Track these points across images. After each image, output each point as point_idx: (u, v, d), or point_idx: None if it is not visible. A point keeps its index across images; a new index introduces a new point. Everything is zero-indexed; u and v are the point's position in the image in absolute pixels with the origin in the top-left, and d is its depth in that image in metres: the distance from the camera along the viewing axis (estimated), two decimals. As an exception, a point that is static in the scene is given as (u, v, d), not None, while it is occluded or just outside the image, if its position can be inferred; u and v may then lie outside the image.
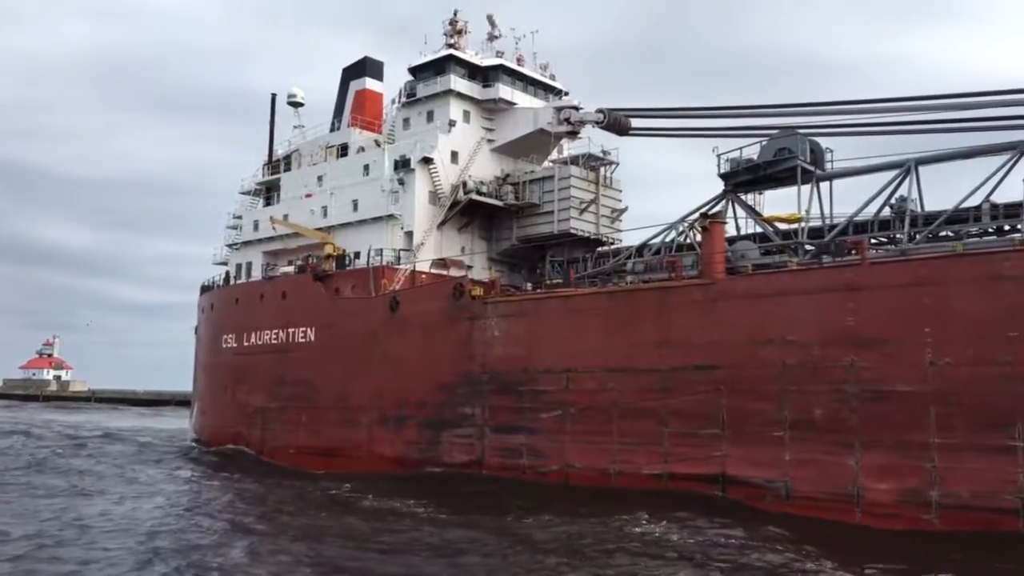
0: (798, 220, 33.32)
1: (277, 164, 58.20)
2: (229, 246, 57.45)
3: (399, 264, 43.38)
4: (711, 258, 29.98)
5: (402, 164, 45.41)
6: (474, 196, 44.21)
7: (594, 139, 47.33)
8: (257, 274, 52.75)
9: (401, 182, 45.18)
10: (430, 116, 47.59)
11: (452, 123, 46.41)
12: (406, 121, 48.95)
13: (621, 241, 45.80)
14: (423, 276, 42.79)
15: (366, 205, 46.78)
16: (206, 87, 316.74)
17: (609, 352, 31.31)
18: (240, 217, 57.19)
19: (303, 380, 44.28)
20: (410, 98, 48.64)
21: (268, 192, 57.69)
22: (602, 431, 31.15)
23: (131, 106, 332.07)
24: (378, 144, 48.50)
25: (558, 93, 50.71)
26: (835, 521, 24.91)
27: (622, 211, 47.09)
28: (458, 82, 46.74)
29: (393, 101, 52.51)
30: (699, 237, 40.05)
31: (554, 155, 50.01)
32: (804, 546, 21.79)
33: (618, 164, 46.84)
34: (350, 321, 42.27)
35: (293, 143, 59.18)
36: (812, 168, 36.61)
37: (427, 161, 44.91)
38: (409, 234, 44.68)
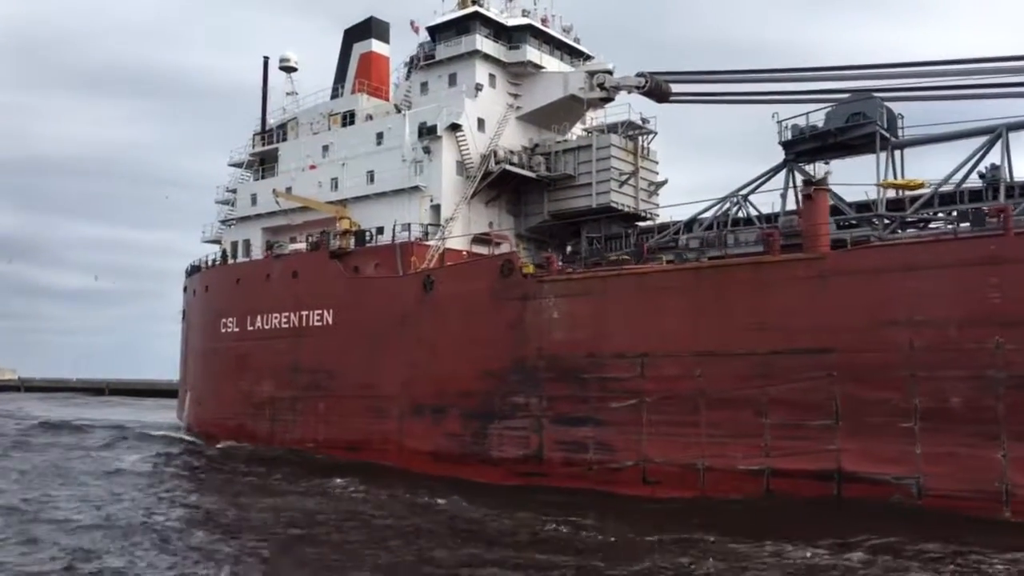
0: (920, 186, 30.47)
1: (270, 134, 53.76)
2: (223, 222, 52.93)
3: (427, 240, 39.66)
4: (816, 230, 27.01)
5: (427, 132, 41.52)
6: (507, 167, 40.61)
7: (620, 106, 44.35)
8: (258, 252, 48.47)
9: (427, 151, 41.34)
10: (452, 79, 43.75)
11: (479, 87, 42.67)
12: (424, 85, 45.02)
13: (658, 217, 42.83)
14: (464, 253, 39.19)
15: (385, 176, 42.84)
16: (134, 64, 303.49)
17: (695, 334, 28.23)
18: (234, 191, 52.63)
19: (320, 367, 40.39)
20: (429, 60, 44.69)
21: (262, 164, 53.24)
22: (687, 422, 28.10)
23: (51, 83, 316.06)
24: (399, 110, 44.45)
25: (584, 57, 47.23)
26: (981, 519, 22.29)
27: (661, 184, 44.04)
28: (484, 42, 42.98)
29: (408, 64, 48.51)
30: (752, 211, 37.69)
31: (577, 125, 46.70)
32: None
33: (656, 133, 43.78)
34: (375, 302, 38.47)
35: (288, 111, 54.80)
36: (888, 135, 34.03)
37: (455, 128, 41.14)
38: (436, 208, 40.94)
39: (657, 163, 44.10)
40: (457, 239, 39.89)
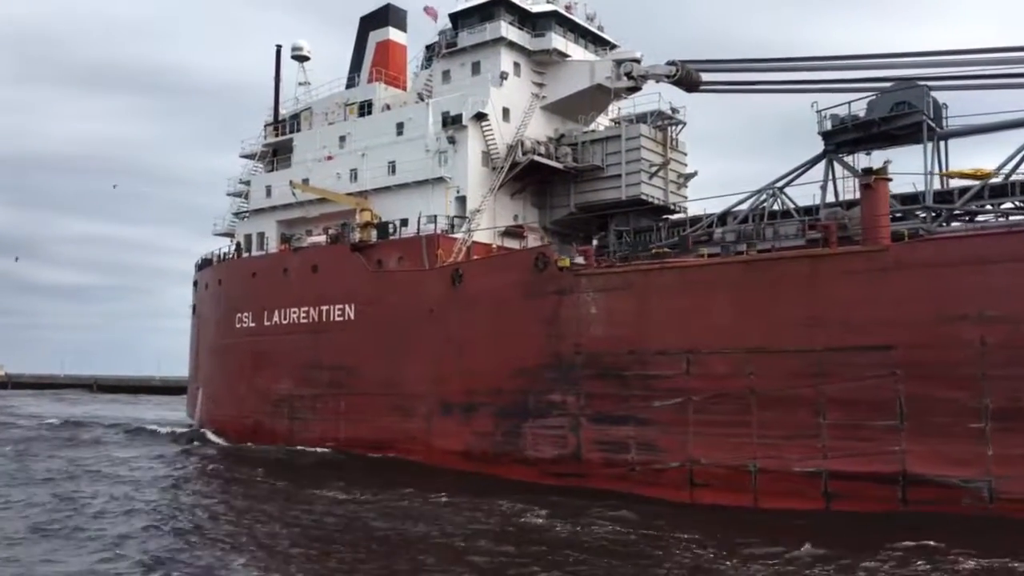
0: (987, 176, 29.37)
1: (283, 124, 52.42)
2: (235, 215, 51.57)
3: (453, 232, 38.42)
4: (876, 221, 25.87)
5: (451, 121, 40.24)
6: (535, 157, 39.37)
7: (647, 95, 43.15)
8: (273, 245, 47.17)
9: (451, 141, 40.07)
10: (476, 68, 42.47)
11: (504, 75, 41.40)
12: (446, 74, 43.70)
13: (687, 210, 41.72)
14: (493, 247, 37.95)
15: (407, 167, 41.53)
16: (125, 61, 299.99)
17: (745, 330, 27.07)
18: (247, 183, 51.24)
19: (342, 364, 39.12)
20: (451, 47, 43.37)
21: (275, 155, 51.89)
22: (737, 421, 26.96)
23: (43, 79, 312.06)
24: (423, 99, 43.11)
25: (608, 46, 45.98)
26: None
27: (690, 176, 42.91)
28: (509, 29, 41.69)
29: (425, 53, 47.21)
30: (789, 204, 36.56)
31: (601, 116, 45.47)
32: None
33: (686, 124, 42.62)
34: (400, 297, 37.22)
35: (302, 101, 53.46)
36: (934, 125, 32.97)
37: (480, 117, 39.88)
38: (462, 199, 39.69)
39: (686, 154, 42.97)
40: (484, 232, 38.61)
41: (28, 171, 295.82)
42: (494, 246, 38.83)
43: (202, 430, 48.71)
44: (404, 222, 39.50)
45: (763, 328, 26.72)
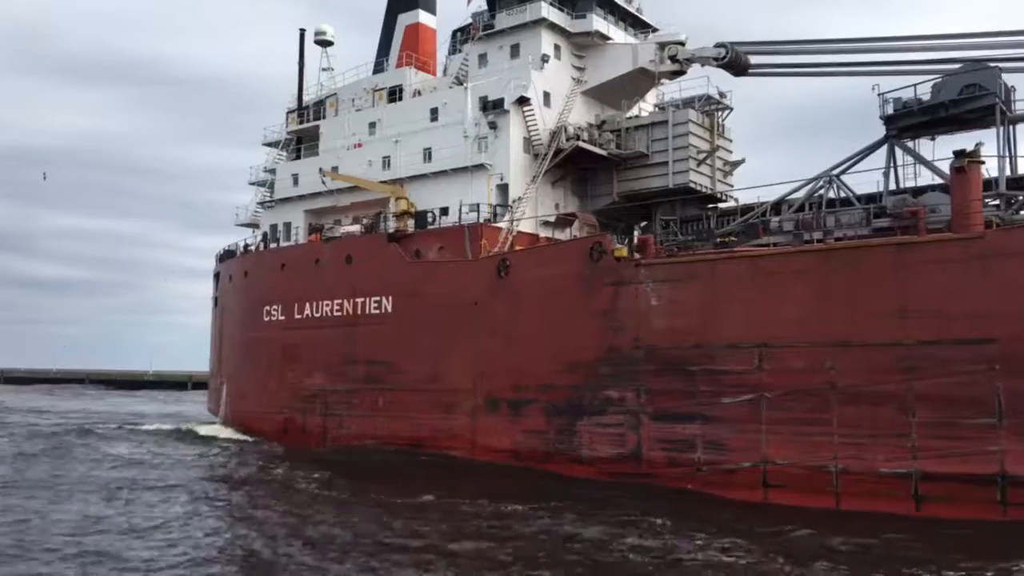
0: None
1: (306, 111, 50.81)
2: (260, 204, 49.95)
3: (495, 222, 36.89)
4: (969, 207, 24.37)
5: (492, 106, 38.66)
6: (580, 144, 37.81)
7: (692, 80, 41.59)
8: (300, 236, 45.62)
9: (492, 126, 38.48)
10: (514, 51, 40.82)
11: (545, 58, 39.78)
12: (482, 57, 42.05)
13: (732, 198, 40.16)
14: (540, 237, 36.43)
15: (444, 154, 39.97)
16: (113, 54, 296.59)
17: (824, 323, 25.58)
18: (272, 171, 49.63)
19: (379, 358, 37.61)
20: (488, 29, 41.73)
21: (299, 143, 50.31)
22: (816, 419, 25.50)
23: (29, 72, 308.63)
24: (460, 83, 41.46)
25: (648, 29, 44.38)
26: None
27: (738, 163, 41.37)
28: (550, 10, 40.03)
29: (455, 36, 45.61)
30: (843, 192, 35.06)
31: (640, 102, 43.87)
32: None
33: (732, 109, 41.04)
34: (441, 289, 35.70)
35: (326, 87, 51.86)
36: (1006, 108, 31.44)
37: (523, 101, 38.30)
38: (503, 187, 38.14)
39: (731, 141, 41.41)
40: (527, 221, 37.07)
41: (17, 164, 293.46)
42: (542, 237, 37.34)
43: (226, 425, 47.23)
44: (444, 211, 37.95)
45: (845, 320, 25.23)
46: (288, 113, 52.56)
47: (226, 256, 51.10)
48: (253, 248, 48.42)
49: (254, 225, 51.34)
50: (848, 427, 24.92)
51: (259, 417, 43.74)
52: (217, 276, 52.37)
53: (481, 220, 36.16)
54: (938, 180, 33.17)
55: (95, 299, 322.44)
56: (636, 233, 41.15)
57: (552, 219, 38.63)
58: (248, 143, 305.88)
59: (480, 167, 38.40)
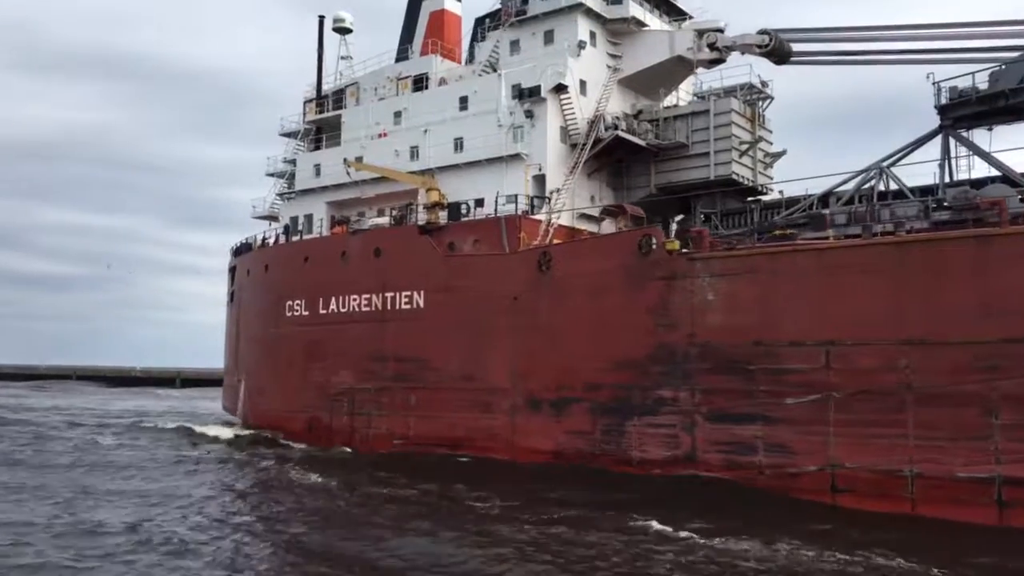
0: None
1: (325, 100, 49.34)
2: (280, 195, 48.49)
3: (533, 214, 35.53)
4: (1057, 197, 23.10)
5: (528, 94, 37.26)
6: (620, 134, 36.45)
7: (731, 68, 40.24)
8: (323, 229, 44.18)
9: (529, 115, 37.10)
10: (548, 37, 39.43)
11: (582, 44, 38.40)
12: (514, 44, 40.64)
13: (779, 192, 38.83)
14: (584, 232, 35.12)
15: (476, 144, 38.58)
16: (101, 48, 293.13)
17: (898, 320, 24.30)
18: (292, 162, 48.16)
19: (410, 355, 36.22)
20: (520, 15, 40.30)
21: (318, 133, 48.88)
22: (889, 421, 24.22)
23: (14, 66, 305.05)
24: (494, 69, 40.06)
25: (683, 16, 43.00)
26: None
27: (779, 155, 40.07)
28: (587, -5, 38.66)
29: (480, 23, 44.23)
30: (893, 184, 33.83)
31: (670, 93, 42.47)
32: None
33: (773, 98, 39.73)
34: (477, 283, 34.33)
35: (345, 76, 50.42)
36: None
37: (560, 89, 36.93)
38: (540, 178, 36.77)
39: (771, 131, 40.10)
40: (564, 213, 35.71)
41: (5, 159, 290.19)
42: (584, 232, 36.04)
43: (246, 425, 45.81)
44: (480, 202, 36.56)
45: (921, 317, 23.95)
46: (306, 102, 51.08)
47: (242, 249, 49.66)
48: (271, 241, 46.96)
49: (272, 217, 49.89)
50: (924, 429, 23.64)
51: (281, 416, 42.28)
52: (233, 270, 50.89)
53: (519, 212, 34.78)
54: (994, 172, 32.11)
55: (83, 295, 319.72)
56: (673, 227, 39.81)
57: (595, 212, 37.27)
58: (245, 138, 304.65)
59: (515, 157, 37.04)
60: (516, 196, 35.01)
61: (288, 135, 50.84)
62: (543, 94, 36.73)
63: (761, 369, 26.69)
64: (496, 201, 35.43)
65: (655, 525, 22.26)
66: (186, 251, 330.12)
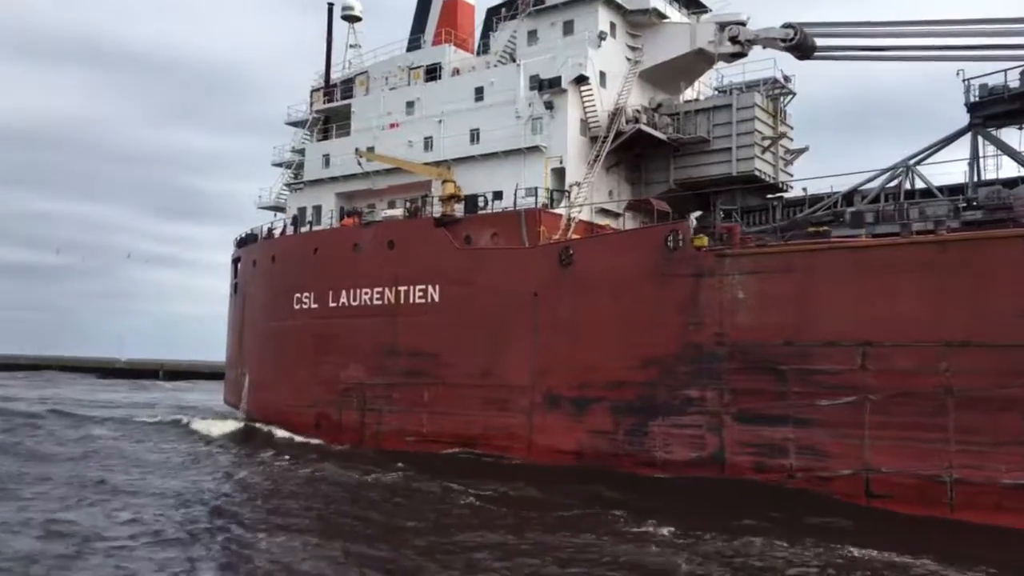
0: None
1: (333, 90, 48.37)
2: (288, 185, 47.48)
3: (552, 208, 34.75)
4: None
5: (548, 85, 36.43)
6: (642, 127, 35.68)
7: (752, 63, 39.51)
8: (331, 220, 43.24)
9: (548, 106, 36.29)
10: (568, 27, 38.58)
11: (603, 35, 37.60)
12: (532, 34, 39.77)
13: (803, 189, 38.14)
14: (607, 226, 34.36)
15: (493, 136, 37.75)
16: (75, 33, 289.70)
17: (939, 321, 23.67)
18: (301, 151, 47.16)
19: (424, 350, 35.40)
20: (538, 5, 39.44)
21: (326, 122, 47.91)
22: (928, 425, 23.60)
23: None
24: (514, 59, 39.20)
25: (702, 9, 42.25)
26: None
27: (800, 151, 39.42)
28: (607, -15, 37.87)
29: (494, 13, 43.40)
30: (919, 183, 33.25)
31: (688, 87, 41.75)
32: None
33: (795, 94, 39.04)
34: (495, 278, 33.54)
35: (354, 64, 49.48)
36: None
37: (581, 80, 36.13)
38: (560, 172, 35.98)
39: (792, 128, 39.42)
40: (586, 207, 34.92)
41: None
42: (607, 226, 35.29)
43: (250, 419, 44.87)
44: (498, 195, 35.70)
45: (963, 319, 23.33)
46: (313, 91, 50.10)
47: (247, 240, 48.66)
48: (278, 232, 46.00)
49: (278, 208, 48.91)
50: (966, 434, 23.03)
51: (287, 411, 41.36)
52: (236, 262, 49.88)
53: (539, 205, 33.98)
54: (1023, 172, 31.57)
55: (61, 284, 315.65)
56: (692, 223, 39.05)
57: (612, 207, 36.52)
58: (227, 127, 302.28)
59: (534, 149, 36.24)
60: (536, 189, 34.18)
61: (295, 124, 49.86)
62: (563, 85, 35.92)
63: (793, 370, 26.02)
64: (515, 194, 34.59)
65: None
66: (167, 242, 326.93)
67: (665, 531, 21.61)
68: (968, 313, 23.23)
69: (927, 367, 23.70)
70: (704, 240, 28.75)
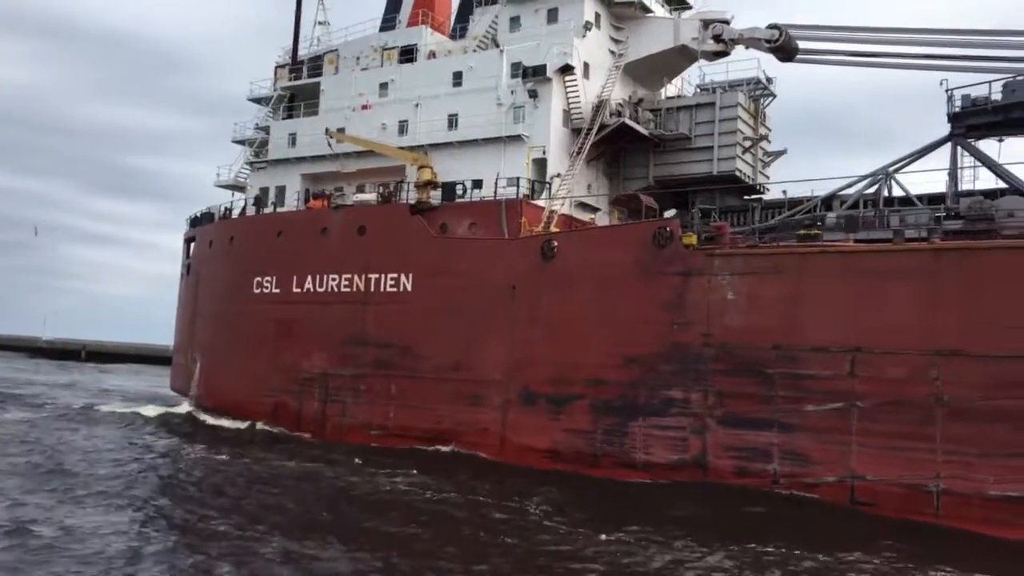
0: None
1: (300, 67, 46.59)
2: (249, 164, 45.49)
3: (533, 199, 33.85)
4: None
5: (532, 72, 35.47)
6: (627, 121, 35.00)
7: (734, 62, 39.23)
8: (298, 202, 41.56)
9: (532, 94, 35.33)
10: (552, 16, 37.65)
11: (588, 26, 36.81)
12: (514, 20, 38.75)
13: (783, 192, 38.03)
14: (590, 219, 33.54)
15: (473, 122, 36.63)
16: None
17: (931, 329, 23.53)
18: (265, 129, 45.25)
19: (393, 341, 34.17)
20: (522, -10, 38.43)
21: (291, 100, 46.13)
22: (916, 434, 23.45)
23: None
24: (497, 44, 38.06)
25: (684, 5, 41.83)
26: None
27: (778, 154, 39.27)
28: (594, -25, 37.07)
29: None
30: (898, 190, 33.37)
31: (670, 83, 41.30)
32: None
33: (775, 96, 38.86)
34: (471, 269, 32.50)
35: (323, 42, 47.77)
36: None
37: (566, 70, 35.28)
38: (541, 162, 35.08)
39: (770, 130, 39.25)
40: (566, 199, 34.10)
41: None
42: (590, 219, 34.53)
43: (199, 407, 42.90)
44: (478, 183, 34.59)
45: (955, 328, 23.22)
46: (278, 67, 48.21)
47: (202, 219, 46.55)
48: (237, 212, 44.06)
49: (238, 187, 46.90)
50: (954, 444, 22.93)
51: (242, 399, 39.59)
52: (190, 241, 47.71)
53: (521, 195, 33.04)
54: (1000, 183, 31.86)
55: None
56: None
57: (592, 200, 35.80)
58: (173, 106, 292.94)
59: (516, 138, 35.27)
60: (518, 179, 33.21)
61: (257, 100, 47.88)
62: (548, 74, 35.02)
63: (780, 373, 25.65)
64: (496, 183, 33.58)
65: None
66: (101, 220, 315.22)
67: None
68: (960, 322, 23.13)
69: (917, 376, 23.56)
70: (693, 238, 28.20)
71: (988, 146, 32.67)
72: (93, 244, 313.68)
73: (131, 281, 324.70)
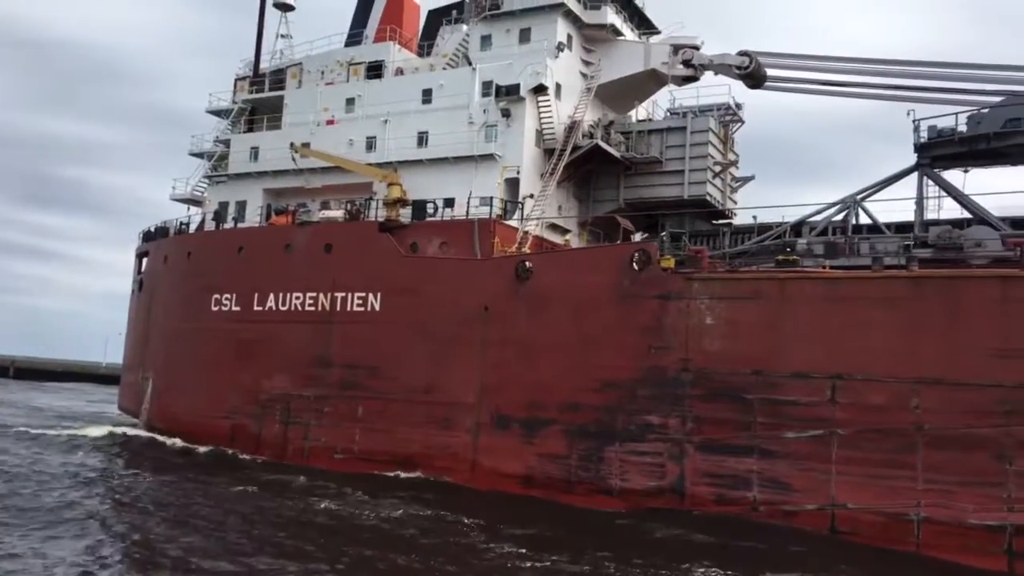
0: None
1: (262, 80, 45.54)
2: (208, 178, 44.06)
3: (505, 219, 33.34)
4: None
5: (505, 91, 35.08)
6: (599, 143, 34.81)
7: (705, 87, 39.47)
8: (260, 218, 40.33)
9: (505, 114, 34.90)
10: (524, 35, 37.44)
11: (560, 47, 36.63)
12: (485, 39, 38.39)
13: (753, 217, 38.24)
14: (565, 240, 33.07)
15: (444, 140, 36.03)
16: None
17: (912, 357, 23.57)
18: (225, 142, 43.93)
19: (360, 362, 33.18)
20: (494, 10, 38.12)
21: (252, 114, 44.98)
22: (897, 462, 23.40)
23: None
24: (469, 62, 37.60)
25: (652, 30, 42.04)
26: None
27: (746, 180, 39.52)
28: (568, -3, 36.92)
29: (445, 14, 41.95)
30: (866, 218, 33.80)
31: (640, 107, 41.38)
32: None
33: (744, 122, 39.15)
34: (442, 289, 31.76)
35: (286, 56, 46.80)
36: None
37: (540, 90, 34.98)
38: (513, 182, 34.61)
39: (738, 156, 39.50)
40: (539, 221, 33.68)
41: None
42: (565, 240, 34.11)
43: (150, 428, 41.09)
44: (449, 202, 33.92)
45: (936, 356, 23.29)
46: (238, 80, 47.08)
47: (156, 234, 44.90)
48: (194, 227, 42.58)
49: (194, 201, 45.39)
50: (935, 472, 22.93)
51: (197, 420, 38.00)
52: (142, 256, 45.97)
53: (494, 215, 32.49)
54: (966, 213, 32.45)
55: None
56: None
57: (562, 222, 35.44)
58: (112, 117, 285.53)
59: (488, 157, 34.79)
60: (491, 199, 32.68)
61: (216, 113, 46.58)
62: (522, 93, 34.67)
63: (760, 399, 25.45)
64: (468, 202, 33.00)
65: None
66: (31, 232, 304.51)
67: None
68: (941, 350, 23.21)
69: (897, 403, 23.54)
70: (671, 261, 27.96)
71: (953, 176, 33.45)
72: (19, 256, 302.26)
73: (64, 295, 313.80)
